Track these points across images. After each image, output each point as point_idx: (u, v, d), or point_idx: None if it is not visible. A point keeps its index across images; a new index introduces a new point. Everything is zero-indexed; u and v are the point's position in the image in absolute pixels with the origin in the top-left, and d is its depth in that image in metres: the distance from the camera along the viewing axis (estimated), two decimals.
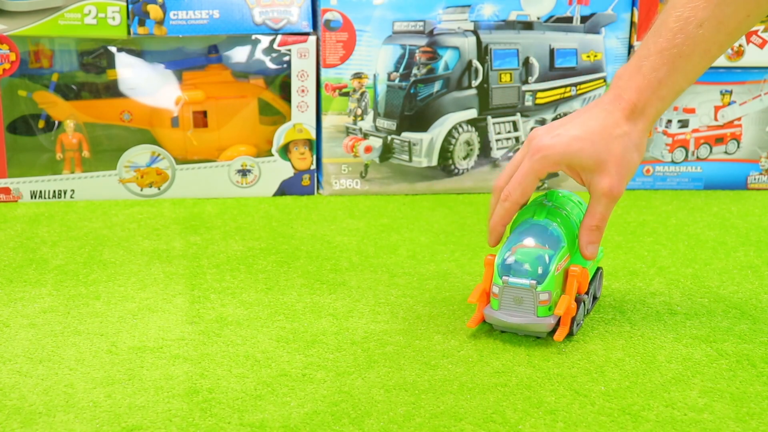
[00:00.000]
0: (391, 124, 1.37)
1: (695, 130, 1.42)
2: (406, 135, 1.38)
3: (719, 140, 1.42)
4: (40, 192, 1.33)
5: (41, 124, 1.39)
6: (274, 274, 1.07)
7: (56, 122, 1.38)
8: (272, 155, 1.36)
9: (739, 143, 1.43)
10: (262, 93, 1.40)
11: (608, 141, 0.83)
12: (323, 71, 1.35)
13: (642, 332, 0.92)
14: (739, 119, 1.42)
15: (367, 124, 1.37)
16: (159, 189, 1.35)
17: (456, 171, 1.40)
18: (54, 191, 1.33)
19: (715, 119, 1.42)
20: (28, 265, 1.08)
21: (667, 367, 0.85)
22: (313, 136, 1.37)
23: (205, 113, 1.38)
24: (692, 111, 1.41)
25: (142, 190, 1.35)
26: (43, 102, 1.38)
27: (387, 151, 1.38)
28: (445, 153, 1.39)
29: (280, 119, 1.39)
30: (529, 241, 0.87)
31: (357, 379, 0.82)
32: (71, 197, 1.33)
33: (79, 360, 0.85)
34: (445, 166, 1.39)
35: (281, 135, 1.36)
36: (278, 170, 1.37)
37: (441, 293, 1.01)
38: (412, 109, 1.37)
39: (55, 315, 0.94)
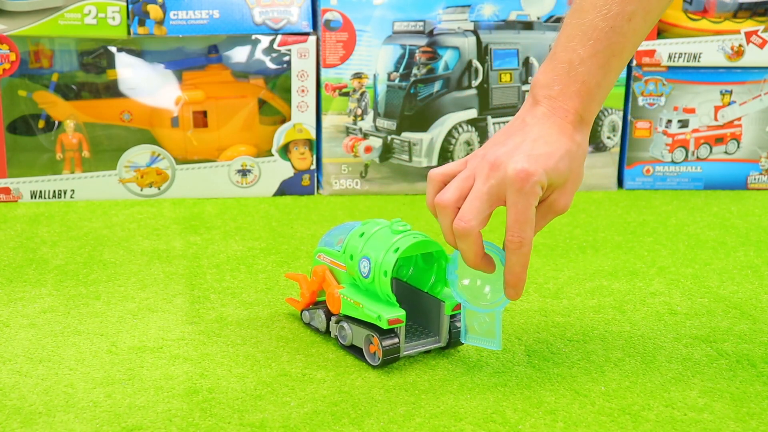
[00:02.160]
0: (391, 124, 1.37)
1: (695, 130, 1.42)
2: (406, 135, 1.38)
3: (719, 140, 1.42)
4: (40, 192, 1.33)
5: (41, 124, 1.39)
6: (274, 274, 1.07)
7: (56, 122, 1.38)
8: (272, 155, 1.36)
9: (739, 143, 1.43)
10: (262, 93, 1.40)
11: (571, 157, 0.77)
12: (323, 71, 1.35)
13: (642, 332, 0.92)
14: (739, 119, 1.42)
15: (367, 124, 1.37)
16: (159, 189, 1.35)
17: None
18: (54, 191, 1.33)
19: (715, 119, 1.42)
20: (28, 265, 1.08)
21: (667, 367, 0.85)
22: (313, 136, 1.37)
23: (205, 113, 1.38)
24: (692, 111, 1.41)
25: (142, 190, 1.35)
26: (43, 102, 1.38)
27: (387, 151, 1.38)
28: (445, 153, 1.39)
29: (280, 119, 1.40)
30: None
31: (357, 379, 0.82)
32: (71, 197, 1.33)
33: (79, 360, 0.85)
34: None
35: (281, 135, 1.36)
36: (278, 170, 1.37)
37: None
38: (412, 109, 1.37)
39: (55, 315, 0.94)
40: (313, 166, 1.38)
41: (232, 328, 0.92)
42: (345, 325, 0.87)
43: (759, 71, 1.40)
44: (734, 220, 1.29)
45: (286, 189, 1.38)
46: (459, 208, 0.77)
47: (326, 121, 1.37)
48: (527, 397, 0.79)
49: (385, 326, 0.83)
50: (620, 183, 1.45)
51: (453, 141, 1.38)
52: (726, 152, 1.43)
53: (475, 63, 1.36)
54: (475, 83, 1.37)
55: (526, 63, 1.37)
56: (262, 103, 1.41)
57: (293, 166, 1.38)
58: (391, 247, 0.83)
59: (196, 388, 0.80)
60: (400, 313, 0.83)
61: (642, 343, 0.90)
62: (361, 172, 1.39)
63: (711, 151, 1.43)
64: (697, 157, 1.43)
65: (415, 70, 1.36)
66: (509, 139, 0.77)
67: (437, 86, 1.37)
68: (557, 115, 0.77)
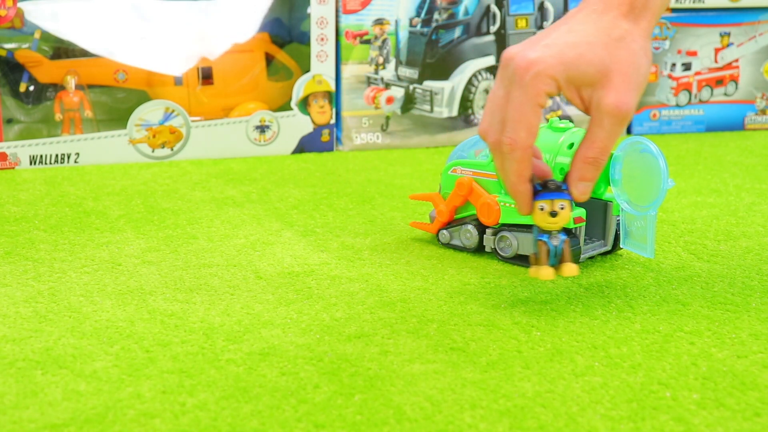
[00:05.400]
0: (413, 73, 1.32)
1: (697, 73, 1.44)
2: (428, 84, 1.32)
3: (719, 82, 1.45)
4: (41, 157, 1.18)
5: (23, 87, 1.24)
6: (363, 210, 0.99)
7: (43, 86, 1.23)
8: (285, 110, 1.27)
9: (737, 85, 1.46)
10: (268, 48, 1.31)
11: (609, 45, 0.65)
12: (343, 18, 1.28)
13: None
14: (736, 60, 1.45)
15: (388, 73, 1.31)
16: (172, 150, 1.23)
17: (476, 121, 1.35)
18: (56, 155, 1.19)
19: (715, 61, 1.44)
20: (86, 217, 0.95)
21: None
22: (333, 87, 1.29)
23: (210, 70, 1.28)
24: (694, 54, 1.43)
25: (153, 151, 1.23)
26: (27, 62, 1.23)
27: (409, 102, 1.32)
28: (466, 102, 1.34)
29: (285, 75, 1.31)
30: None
31: (543, 283, 0.76)
32: (75, 162, 1.20)
33: (233, 286, 0.74)
34: (465, 116, 1.35)
35: (300, 87, 1.28)
36: (297, 126, 1.28)
37: None
38: (434, 56, 1.32)
39: (163, 253, 0.83)
40: (332, 120, 1.30)
41: (369, 253, 0.84)
42: (508, 234, 0.81)
43: (754, 12, 1.44)
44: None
45: (305, 146, 1.29)
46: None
47: (346, 71, 1.29)
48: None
49: (570, 225, 0.77)
50: (628, 129, 1.45)
51: (473, 89, 1.34)
52: (725, 94, 1.46)
53: (494, 8, 1.33)
54: (493, 29, 1.34)
55: (542, 7, 1.36)
56: (269, 60, 1.32)
57: (312, 121, 1.29)
58: (563, 144, 0.78)
59: (388, 301, 0.72)
60: (581, 211, 0.78)
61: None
62: (382, 125, 1.32)
63: (712, 93, 1.46)
64: (699, 99, 1.45)
65: (436, 15, 1.31)
66: (546, 32, 0.67)
67: (458, 32, 1.32)
68: (600, 3, 0.66)
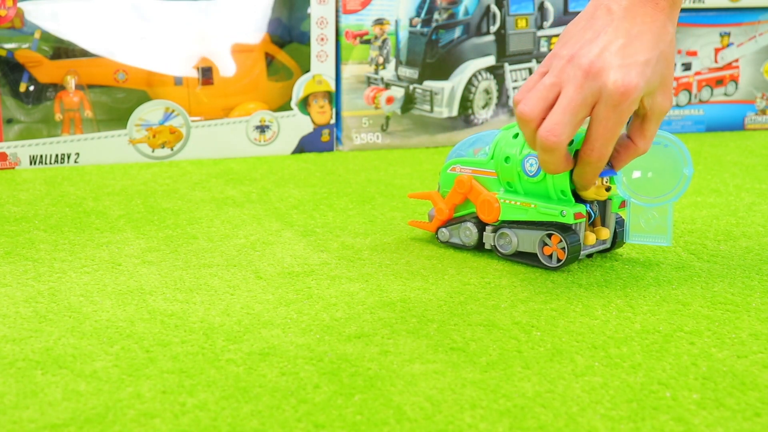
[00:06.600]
0: (413, 73, 1.32)
1: (697, 73, 1.44)
2: (428, 84, 1.32)
3: (719, 82, 1.45)
4: (41, 156, 1.18)
5: (23, 87, 1.24)
6: (362, 210, 0.99)
7: (43, 86, 1.23)
8: (285, 111, 1.27)
9: (737, 85, 1.46)
10: (268, 48, 1.31)
11: (666, 54, 0.70)
12: (343, 18, 1.28)
13: None
14: (736, 60, 1.45)
15: (388, 73, 1.31)
16: (172, 150, 1.23)
17: (476, 121, 1.35)
18: (56, 156, 1.19)
19: (715, 61, 1.45)
20: (86, 217, 0.95)
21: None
22: (333, 87, 1.29)
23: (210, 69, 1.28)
24: (694, 54, 1.43)
25: (153, 151, 1.23)
26: (27, 62, 1.23)
27: (409, 102, 1.32)
28: (466, 102, 1.34)
29: (285, 75, 1.31)
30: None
31: (544, 279, 0.76)
32: (75, 162, 1.20)
33: (233, 286, 0.74)
34: (465, 116, 1.35)
35: (300, 87, 1.28)
36: (297, 126, 1.28)
37: None
38: (434, 56, 1.32)
39: (163, 253, 0.83)
40: (332, 120, 1.30)
41: (369, 253, 0.84)
42: (508, 231, 0.81)
43: (754, 12, 1.44)
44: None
45: (305, 146, 1.29)
46: (544, 119, 0.71)
47: (346, 71, 1.29)
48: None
49: (570, 221, 0.77)
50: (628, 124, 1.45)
51: (473, 89, 1.34)
52: (725, 94, 1.46)
53: (493, 8, 1.33)
54: (493, 29, 1.34)
55: (542, 7, 1.35)
56: (269, 60, 1.32)
57: (312, 121, 1.29)
58: None
59: (388, 301, 0.72)
60: (581, 207, 0.78)
61: None
62: (382, 125, 1.32)
63: (712, 93, 1.45)
64: (699, 99, 1.45)
65: (436, 15, 1.31)
66: (598, 36, 0.69)
67: (458, 32, 1.32)
68: (652, 2, 0.70)
